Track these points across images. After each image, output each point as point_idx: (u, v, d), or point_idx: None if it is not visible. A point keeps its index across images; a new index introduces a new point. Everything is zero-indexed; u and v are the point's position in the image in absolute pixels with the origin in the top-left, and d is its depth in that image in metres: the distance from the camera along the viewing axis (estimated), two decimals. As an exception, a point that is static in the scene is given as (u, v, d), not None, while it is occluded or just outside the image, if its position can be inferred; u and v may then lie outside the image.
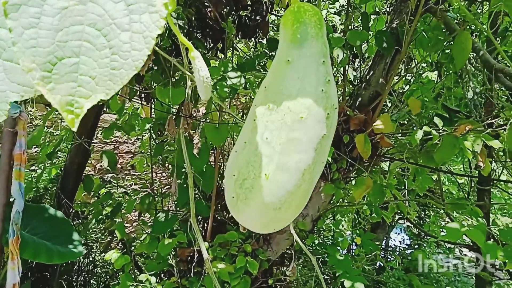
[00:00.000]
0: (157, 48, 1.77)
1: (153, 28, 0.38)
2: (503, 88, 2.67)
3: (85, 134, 2.87)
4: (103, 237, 3.85)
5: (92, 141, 3.12)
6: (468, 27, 2.41)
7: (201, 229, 2.96)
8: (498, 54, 2.57)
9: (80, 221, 3.27)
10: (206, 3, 2.30)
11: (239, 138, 0.65)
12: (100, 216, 3.11)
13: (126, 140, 5.17)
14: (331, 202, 2.86)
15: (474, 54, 2.55)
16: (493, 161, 2.85)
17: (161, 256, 2.50)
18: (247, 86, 2.41)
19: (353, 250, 4.12)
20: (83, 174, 3.11)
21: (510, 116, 2.51)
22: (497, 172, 3.27)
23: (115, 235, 2.89)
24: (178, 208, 2.77)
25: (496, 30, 2.43)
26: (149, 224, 3.11)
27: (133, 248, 3.07)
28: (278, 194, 0.57)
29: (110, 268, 3.79)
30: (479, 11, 2.88)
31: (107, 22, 0.38)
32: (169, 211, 2.69)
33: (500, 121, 2.42)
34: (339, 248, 2.82)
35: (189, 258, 2.58)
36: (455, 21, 2.50)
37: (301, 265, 4.14)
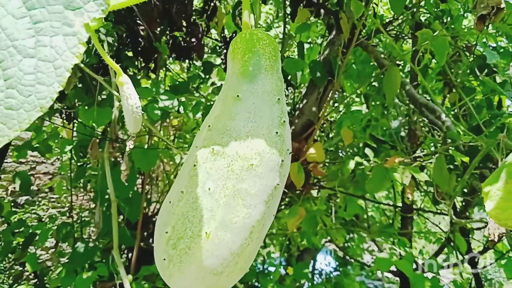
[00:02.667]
0: (82, 65, 1.63)
1: (68, 55, 0.28)
2: (425, 120, 2.82)
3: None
4: (13, 267, 3.47)
5: (5, 161, 2.81)
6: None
7: (125, 259, 2.75)
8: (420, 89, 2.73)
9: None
10: (138, 21, 2.18)
11: (174, 186, 0.55)
12: (11, 245, 2.79)
13: (45, 160, 4.78)
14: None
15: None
16: (415, 191, 2.99)
17: (79, 291, 2.28)
18: (180, 109, 2.31)
19: (283, 275, 4.10)
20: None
21: (430, 148, 2.65)
22: (419, 200, 3.45)
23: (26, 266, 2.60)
24: (99, 237, 2.56)
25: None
26: (66, 252, 2.84)
27: (47, 279, 2.78)
28: (220, 257, 0.48)
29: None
30: (402, 47, 3.05)
31: (3, 44, 0.27)
32: (89, 240, 2.47)
33: (423, 152, 2.54)
34: (271, 277, 2.76)
35: (110, 293, 2.38)
36: (382, 55, 2.62)
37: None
